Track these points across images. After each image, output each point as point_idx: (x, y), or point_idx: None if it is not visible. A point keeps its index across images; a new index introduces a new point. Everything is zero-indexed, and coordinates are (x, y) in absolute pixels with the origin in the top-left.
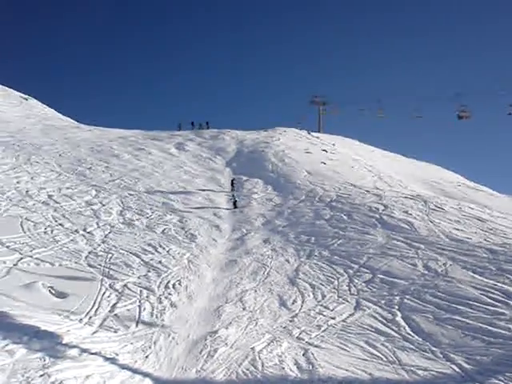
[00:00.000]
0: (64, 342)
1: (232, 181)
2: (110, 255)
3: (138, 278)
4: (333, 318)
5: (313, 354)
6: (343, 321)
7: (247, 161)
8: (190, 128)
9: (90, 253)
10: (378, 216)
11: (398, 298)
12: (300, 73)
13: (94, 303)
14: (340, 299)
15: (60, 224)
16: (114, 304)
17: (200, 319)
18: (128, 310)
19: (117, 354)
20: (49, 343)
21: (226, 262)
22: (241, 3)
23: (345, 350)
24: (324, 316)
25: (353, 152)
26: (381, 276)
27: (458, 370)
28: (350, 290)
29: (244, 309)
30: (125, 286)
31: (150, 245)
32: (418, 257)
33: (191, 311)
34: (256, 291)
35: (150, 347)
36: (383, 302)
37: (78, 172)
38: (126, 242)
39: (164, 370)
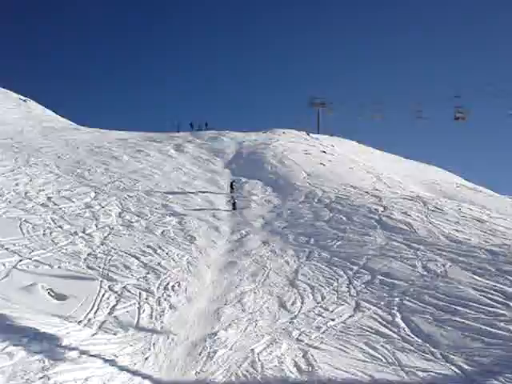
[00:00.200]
0: (63, 344)
1: (231, 183)
2: (109, 257)
3: (137, 279)
4: (332, 320)
5: (312, 355)
6: (343, 322)
7: (246, 162)
8: (188, 129)
9: (89, 255)
10: (377, 217)
11: (397, 299)
12: (299, 73)
13: (93, 305)
14: (339, 300)
15: (59, 226)
16: (114, 306)
17: (199, 321)
18: (127, 311)
19: (116, 356)
20: (48, 345)
21: (226, 264)
22: (240, 5)
23: (344, 351)
24: (323, 317)
25: (352, 153)
26: (380, 277)
27: (457, 371)
28: (349, 292)
29: (243, 310)
30: (124, 287)
31: (149, 247)
32: (417, 258)
33: (190, 313)
34: (255, 293)
35: (149, 349)
36: (383, 303)
37: (76, 174)
38: (125, 243)
39: (163, 372)
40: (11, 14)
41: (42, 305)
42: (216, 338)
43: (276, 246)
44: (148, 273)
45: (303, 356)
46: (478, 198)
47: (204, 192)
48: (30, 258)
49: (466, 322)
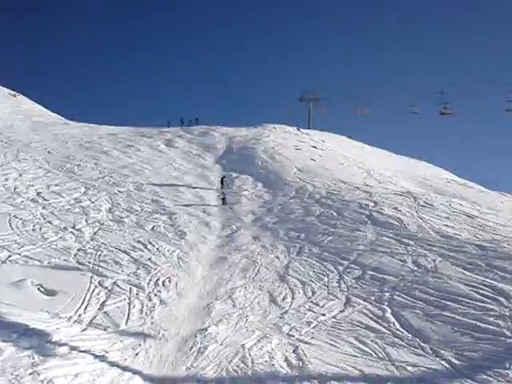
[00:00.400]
0: (53, 340)
1: (222, 178)
2: (99, 252)
3: (128, 275)
4: (323, 315)
5: (303, 350)
6: (333, 317)
7: (237, 157)
8: (179, 124)
9: (79, 250)
10: (367, 212)
11: (387, 294)
12: (289, 68)
13: (83, 301)
14: (330, 296)
15: (49, 221)
16: (104, 302)
17: (190, 316)
18: (117, 307)
19: (106, 352)
20: (38, 341)
21: (216, 259)
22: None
23: (335, 346)
24: (314, 312)
25: (342, 148)
26: (371, 272)
27: (447, 365)
28: (339, 287)
29: (234, 306)
30: (114, 283)
31: (139, 242)
32: (407, 253)
33: (181, 308)
34: (246, 288)
35: (139, 345)
36: (373, 298)
37: (66, 169)
38: (115, 239)
39: (154, 368)
40: None
41: (32, 300)
42: (206, 333)
43: (266, 242)
44: (138, 268)
45: (294, 351)
46: (469, 194)
47: (194, 187)
48: (19, 254)
49: (456, 316)
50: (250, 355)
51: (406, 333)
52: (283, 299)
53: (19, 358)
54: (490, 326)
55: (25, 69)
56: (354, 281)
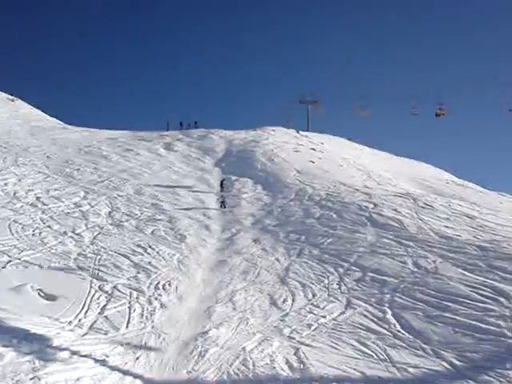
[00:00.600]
0: (54, 344)
1: (221, 181)
2: (99, 257)
3: (128, 279)
4: (323, 317)
5: (304, 352)
6: (334, 319)
7: (236, 160)
8: (178, 128)
9: (78, 254)
10: (367, 214)
11: (388, 295)
12: (288, 71)
13: (84, 305)
14: (330, 298)
15: (48, 226)
16: (104, 306)
17: (190, 320)
18: (118, 311)
19: (107, 356)
20: (38, 346)
21: (216, 263)
22: (232, 3)
23: (336, 348)
24: (315, 315)
25: (341, 150)
26: (371, 274)
27: (448, 366)
28: (340, 289)
29: (234, 309)
30: (114, 287)
31: (139, 246)
32: (407, 254)
33: (181, 312)
34: (246, 291)
35: (140, 349)
36: (373, 300)
37: (66, 173)
38: (115, 243)
39: (155, 372)
40: None
41: (32, 305)
42: (207, 336)
43: (267, 244)
44: (138, 272)
45: (295, 353)
46: (468, 194)
47: (194, 191)
48: (19, 259)
49: (457, 317)
50: (250, 358)
51: (407, 334)
52: (284, 302)
53: (20, 363)
54: (490, 327)
55: (23, 73)
56: (354, 283)
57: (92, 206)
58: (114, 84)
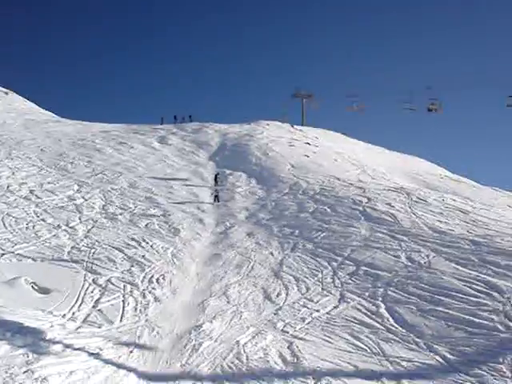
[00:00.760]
0: (47, 337)
1: (216, 175)
2: (92, 250)
3: (122, 272)
4: (317, 311)
5: (297, 346)
6: (327, 313)
7: (230, 154)
8: (172, 121)
9: (72, 248)
10: (361, 208)
11: (381, 289)
12: (283, 65)
13: (78, 298)
14: (324, 292)
15: (42, 219)
16: (98, 299)
17: (184, 313)
18: (112, 305)
19: (101, 349)
20: (32, 339)
21: (210, 256)
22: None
23: (329, 342)
24: (308, 308)
25: (336, 145)
26: (364, 268)
27: (441, 360)
28: (334, 283)
29: (228, 302)
30: (108, 280)
31: (133, 239)
32: (401, 249)
33: (175, 305)
34: (240, 285)
35: (134, 342)
36: (367, 294)
37: (59, 167)
38: (108, 236)
39: (148, 365)
40: None
41: (26, 298)
42: (201, 330)
43: (260, 238)
44: (132, 266)
45: (288, 347)
46: (462, 189)
47: (188, 185)
48: (12, 252)
49: (450, 312)
50: (244, 351)
51: (400, 328)
52: (277, 295)
53: (13, 356)
54: (483, 321)
55: (17, 66)
56: (347, 277)
57: (86, 200)
58: (108, 77)
